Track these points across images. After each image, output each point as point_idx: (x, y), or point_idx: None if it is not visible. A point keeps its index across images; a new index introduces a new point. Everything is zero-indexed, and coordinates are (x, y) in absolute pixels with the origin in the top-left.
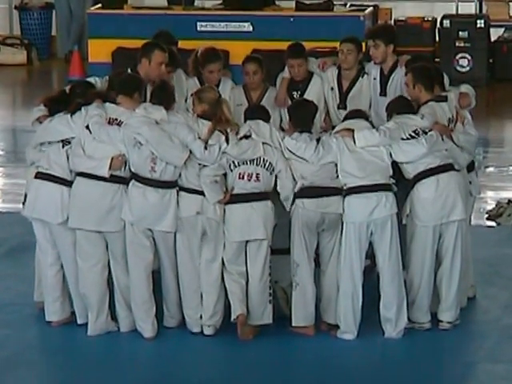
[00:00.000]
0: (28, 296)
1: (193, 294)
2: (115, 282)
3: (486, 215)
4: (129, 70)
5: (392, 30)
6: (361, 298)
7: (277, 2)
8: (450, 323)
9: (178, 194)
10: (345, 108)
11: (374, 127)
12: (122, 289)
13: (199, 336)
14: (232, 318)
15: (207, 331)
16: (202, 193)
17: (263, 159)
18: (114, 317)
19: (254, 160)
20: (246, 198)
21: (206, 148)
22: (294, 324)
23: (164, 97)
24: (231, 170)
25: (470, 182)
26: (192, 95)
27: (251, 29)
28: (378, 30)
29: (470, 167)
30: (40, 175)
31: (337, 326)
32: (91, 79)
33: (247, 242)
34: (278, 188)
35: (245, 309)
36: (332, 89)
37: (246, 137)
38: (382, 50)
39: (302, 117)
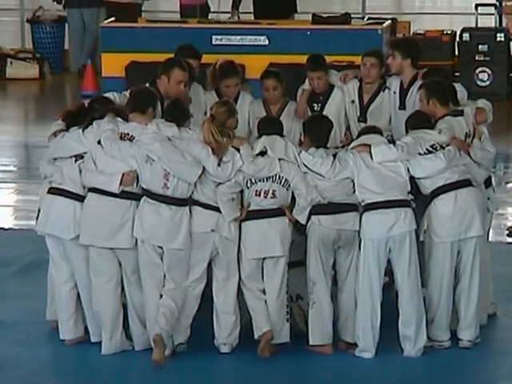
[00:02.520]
0: (40, 315)
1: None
2: (128, 299)
3: (507, 231)
4: (147, 85)
5: (413, 45)
6: (379, 315)
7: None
8: (470, 341)
9: (191, 210)
10: (365, 121)
11: (393, 142)
12: (135, 306)
13: (215, 354)
14: (256, 335)
15: (223, 349)
16: (218, 209)
17: (279, 176)
18: (128, 335)
19: (270, 177)
20: (262, 214)
21: (219, 165)
22: (311, 343)
23: (177, 114)
24: (248, 188)
25: (488, 198)
26: (211, 109)
27: (267, 42)
28: (398, 41)
29: (488, 183)
30: (53, 190)
31: (355, 345)
32: (109, 94)
33: (264, 258)
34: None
35: (270, 325)
36: (353, 102)
37: (262, 153)
38: (397, 62)
39: (318, 133)
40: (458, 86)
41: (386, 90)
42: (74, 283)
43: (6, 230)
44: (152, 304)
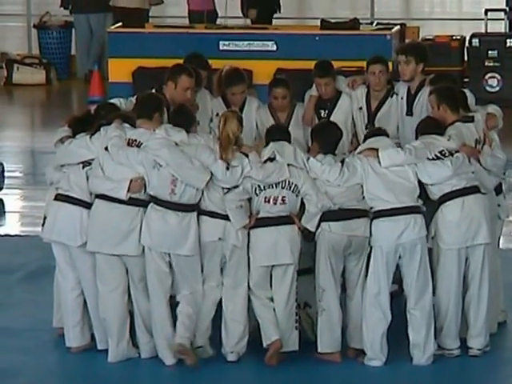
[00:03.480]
0: (46, 322)
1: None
2: (135, 307)
3: None
4: (154, 91)
5: (425, 50)
6: (388, 323)
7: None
8: (480, 350)
9: (198, 218)
10: (374, 130)
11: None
12: (142, 314)
13: (222, 362)
14: (265, 344)
15: (230, 357)
16: (225, 217)
17: (289, 181)
18: (134, 343)
19: (279, 183)
20: (271, 221)
21: (227, 169)
22: (319, 350)
23: (182, 120)
24: (256, 194)
25: (499, 205)
26: (217, 115)
27: (275, 48)
28: (411, 46)
29: (498, 189)
30: (59, 197)
31: (364, 352)
32: (115, 100)
33: (273, 266)
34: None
35: (279, 333)
36: (361, 108)
37: (271, 159)
38: (412, 67)
39: (327, 139)
40: (466, 92)
41: (394, 96)
42: (80, 290)
43: (13, 236)
44: (159, 311)
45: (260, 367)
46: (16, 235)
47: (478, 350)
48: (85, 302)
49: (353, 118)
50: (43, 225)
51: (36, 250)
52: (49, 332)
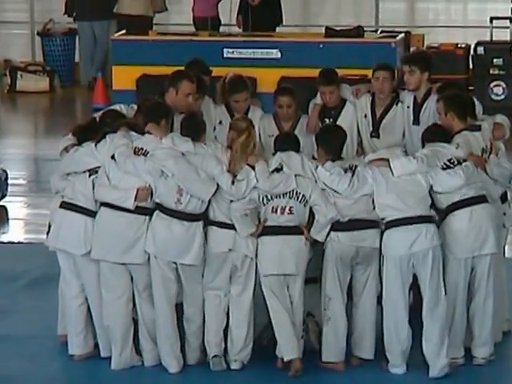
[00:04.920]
0: (50, 329)
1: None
2: (140, 314)
3: None
4: (156, 98)
5: (429, 58)
6: (405, 332)
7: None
8: (485, 359)
9: (205, 227)
10: (378, 136)
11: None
12: (146, 322)
13: (225, 370)
14: (285, 359)
15: (234, 366)
16: (234, 227)
17: (296, 192)
18: (138, 351)
19: (286, 193)
20: (279, 230)
21: (233, 183)
22: (324, 359)
23: (193, 129)
24: (264, 204)
25: (504, 214)
26: (220, 123)
27: (279, 56)
28: (414, 55)
29: (504, 198)
30: (64, 205)
31: (368, 361)
32: (116, 106)
33: (284, 276)
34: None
35: (300, 352)
36: (365, 116)
37: (278, 170)
38: (417, 77)
39: (332, 143)
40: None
41: (399, 104)
42: (84, 298)
43: (16, 243)
44: (163, 319)
45: (263, 376)
46: (19, 242)
47: (482, 360)
48: (88, 309)
49: (358, 127)
50: (48, 233)
51: (39, 257)
52: (52, 339)
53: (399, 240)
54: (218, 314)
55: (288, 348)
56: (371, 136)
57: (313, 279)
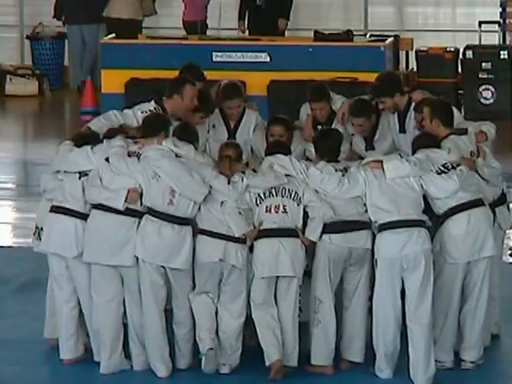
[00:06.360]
0: (39, 333)
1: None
2: (129, 319)
3: (510, 252)
4: (152, 103)
5: (393, 80)
6: (392, 335)
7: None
8: (473, 363)
9: (197, 239)
10: (373, 148)
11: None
12: (135, 326)
13: (214, 375)
14: (267, 363)
15: (223, 370)
16: (225, 237)
17: (289, 189)
18: (127, 355)
19: (279, 191)
20: (274, 233)
21: (229, 183)
22: (313, 362)
23: (187, 137)
24: (257, 205)
25: (495, 216)
26: (214, 126)
27: (268, 59)
28: (379, 87)
29: (502, 200)
30: (54, 208)
31: (358, 364)
32: (110, 113)
33: (277, 279)
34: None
35: (280, 353)
36: (353, 134)
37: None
38: (389, 104)
39: (328, 147)
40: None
41: (383, 113)
42: (76, 302)
43: (5, 247)
44: (152, 323)
45: (252, 380)
46: (8, 246)
47: (471, 363)
48: (80, 313)
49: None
50: (34, 234)
51: (28, 261)
52: (41, 343)
53: (390, 243)
54: (209, 314)
55: (269, 351)
56: (366, 150)
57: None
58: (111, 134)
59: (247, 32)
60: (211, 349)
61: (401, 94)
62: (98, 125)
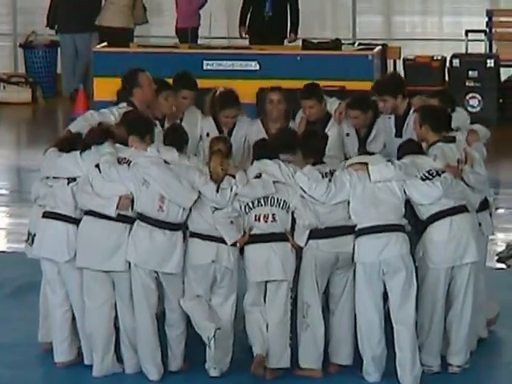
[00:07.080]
0: (33, 337)
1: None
2: (121, 322)
3: (496, 257)
4: (124, 104)
5: (398, 81)
6: (377, 338)
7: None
8: (460, 367)
9: (190, 242)
10: (366, 150)
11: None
12: (127, 330)
13: (205, 378)
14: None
15: (213, 373)
16: (216, 239)
17: (277, 198)
18: (119, 358)
19: (268, 200)
20: (264, 238)
21: (217, 191)
22: (302, 366)
23: (177, 140)
24: (246, 213)
25: (480, 223)
26: (207, 135)
27: (258, 67)
28: (383, 85)
29: (485, 205)
30: (47, 214)
31: (346, 367)
32: (87, 114)
33: (266, 284)
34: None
35: (264, 349)
36: (348, 134)
37: (257, 177)
38: (390, 105)
39: (313, 148)
40: (458, 111)
41: (380, 116)
42: (69, 306)
43: (0, 252)
44: (144, 327)
45: (242, 382)
46: (2, 251)
47: (457, 367)
48: (73, 317)
49: (343, 143)
50: (27, 241)
51: (22, 265)
52: (36, 347)
53: (369, 247)
54: (205, 310)
55: (254, 347)
56: (358, 151)
57: None
58: (97, 137)
59: (248, 40)
60: (219, 329)
61: (403, 96)
62: (77, 126)
